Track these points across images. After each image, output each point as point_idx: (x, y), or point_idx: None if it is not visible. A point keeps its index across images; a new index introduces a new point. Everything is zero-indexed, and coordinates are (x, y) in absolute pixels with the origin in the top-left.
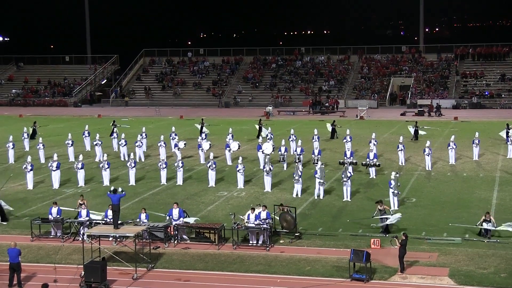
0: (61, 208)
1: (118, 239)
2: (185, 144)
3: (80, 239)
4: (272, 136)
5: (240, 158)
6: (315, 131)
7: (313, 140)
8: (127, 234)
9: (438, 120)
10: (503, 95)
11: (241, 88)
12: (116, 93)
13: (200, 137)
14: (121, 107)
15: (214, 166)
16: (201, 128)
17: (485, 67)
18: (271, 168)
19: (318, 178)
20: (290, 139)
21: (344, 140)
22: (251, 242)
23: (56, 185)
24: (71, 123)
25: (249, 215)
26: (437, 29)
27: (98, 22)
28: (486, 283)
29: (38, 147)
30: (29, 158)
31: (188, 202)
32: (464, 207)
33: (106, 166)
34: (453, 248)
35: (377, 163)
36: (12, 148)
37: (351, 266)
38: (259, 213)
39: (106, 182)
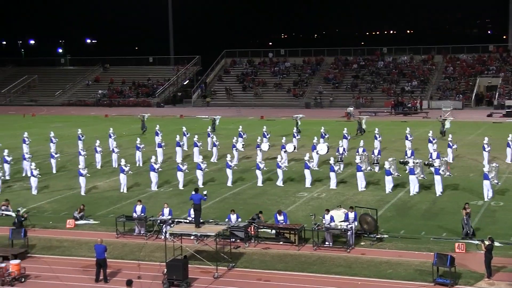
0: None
1: (200, 238)
2: (269, 146)
3: (163, 237)
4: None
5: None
6: (430, 132)
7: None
8: (208, 233)
9: None
10: None
11: (322, 88)
12: (202, 88)
13: (260, 138)
14: (203, 108)
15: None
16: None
17: None
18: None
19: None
20: (377, 139)
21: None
22: (327, 243)
23: (154, 187)
24: (154, 123)
25: (329, 216)
26: None
27: (181, 24)
28: None
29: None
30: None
31: (268, 202)
32: None
33: (204, 166)
34: None
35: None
36: (99, 152)
37: (435, 270)
38: (346, 213)
39: (200, 183)
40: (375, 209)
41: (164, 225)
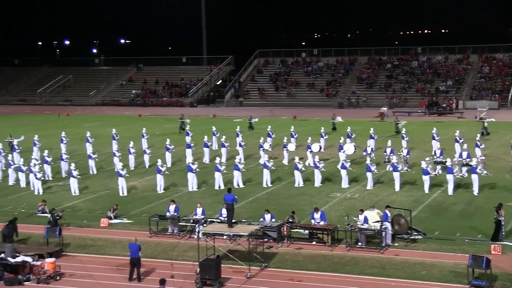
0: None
1: (232, 238)
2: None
3: (196, 236)
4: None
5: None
6: (457, 132)
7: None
8: (241, 233)
9: None
10: None
11: (355, 88)
12: (235, 88)
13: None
14: (236, 107)
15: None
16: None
17: None
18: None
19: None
20: (435, 139)
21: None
22: (360, 243)
23: (192, 187)
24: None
25: (363, 216)
26: None
27: (214, 24)
28: None
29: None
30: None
31: (302, 203)
32: None
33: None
34: None
35: (469, 162)
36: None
37: (470, 272)
38: (385, 213)
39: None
40: (409, 210)
41: (197, 225)
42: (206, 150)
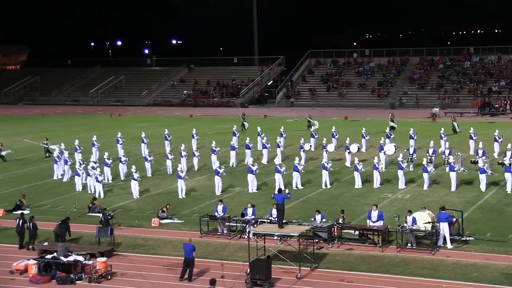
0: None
1: (283, 238)
2: (310, 146)
3: (246, 237)
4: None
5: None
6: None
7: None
8: (291, 234)
9: None
10: None
11: (406, 89)
12: (287, 87)
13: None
14: (287, 108)
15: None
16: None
17: None
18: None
19: None
20: (413, 138)
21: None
22: (409, 245)
23: (252, 188)
24: (238, 122)
25: (412, 217)
26: None
27: (265, 24)
28: None
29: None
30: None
31: (352, 203)
32: None
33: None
34: None
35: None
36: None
37: None
38: (442, 214)
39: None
40: (460, 211)
41: (248, 225)
42: (265, 151)
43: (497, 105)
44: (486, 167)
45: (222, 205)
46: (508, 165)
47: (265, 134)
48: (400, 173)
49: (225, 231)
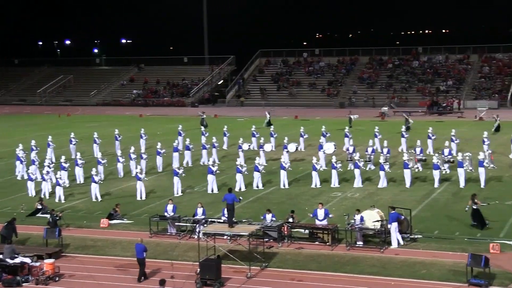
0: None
1: (233, 238)
2: (249, 146)
3: (196, 237)
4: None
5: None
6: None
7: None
8: (241, 233)
9: None
10: None
11: (356, 88)
12: (239, 84)
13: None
14: (237, 107)
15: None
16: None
17: None
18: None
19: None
20: (431, 138)
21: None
22: (358, 243)
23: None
24: (189, 123)
25: (360, 216)
26: None
27: (215, 24)
28: None
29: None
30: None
31: (303, 203)
32: None
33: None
34: None
35: (452, 159)
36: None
37: (469, 271)
38: (393, 213)
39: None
40: (408, 209)
41: (198, 225)
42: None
43: (444, 104)
44: (466, 165)
45: (172, 204)
46: (481, 159)
47: (210, 134)
48: (357, 172)
49: (173, 231)
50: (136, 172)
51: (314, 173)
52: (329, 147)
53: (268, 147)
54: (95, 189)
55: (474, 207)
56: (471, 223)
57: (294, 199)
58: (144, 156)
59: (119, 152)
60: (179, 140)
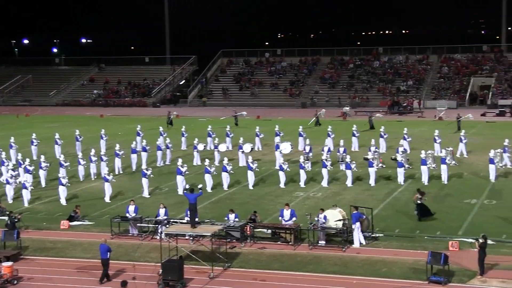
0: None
1: (195, 238)
2: (204, 146)
3: (158, 237)
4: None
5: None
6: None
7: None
8: (204, 233)
9: None
10: None
11: (318, 88)
12: (202, 83)
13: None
14: (199, 107)
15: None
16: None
17: None
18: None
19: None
20: (330, 137)
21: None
22: (320, 242)
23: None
24: (150, 123)
25: (323, 215)
26: None
27: (177, 24)
28: None
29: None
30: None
31: (265, 202)
32: None
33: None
34: None
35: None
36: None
37: (429, 269)
38: (356, 213)
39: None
40: (370, 208)
41: (160, 226)
42: (168, 151)
43: (405, 104)
44: (429, 163)
45: (134, 205)
46: (400, 161)
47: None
48: (281, 174)
49: (135, 232)
50: (104, 174)
51: (281, 173)
52: (285, 147)
53: (223, 147)
54: (63, 192)
55: (419, 201)
56: (417, 216)
57: (258, 199)
58: (105, 158)
59: (80, 154)
60: (137, 140)
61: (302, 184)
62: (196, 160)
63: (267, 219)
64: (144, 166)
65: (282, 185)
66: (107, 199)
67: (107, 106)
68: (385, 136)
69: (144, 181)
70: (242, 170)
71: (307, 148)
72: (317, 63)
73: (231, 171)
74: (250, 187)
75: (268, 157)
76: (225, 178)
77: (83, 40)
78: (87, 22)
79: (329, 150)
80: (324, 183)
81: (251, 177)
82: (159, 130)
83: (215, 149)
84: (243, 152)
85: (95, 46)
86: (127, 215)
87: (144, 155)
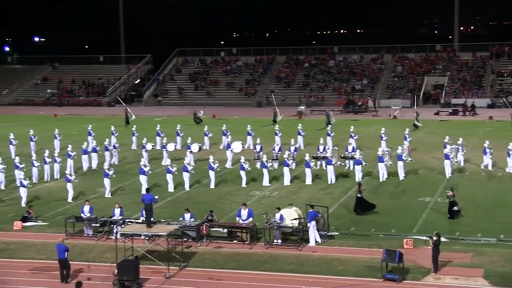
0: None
1: (151, 238)
2: (153, 146)
3: (114, 237)
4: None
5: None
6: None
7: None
8: (159, 233)
9: (472, 120)
10: None
11: (273, 87)
12: (158, 81)
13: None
14: (154, 107)
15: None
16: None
17: None
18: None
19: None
20: (277, 135)
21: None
22: (276, 241)
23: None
24: (105, 122)
25: (279, 215)
26: (472, 28)
27: (132, 22)
28: None
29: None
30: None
31: (221, 201)
32: (500, 207)
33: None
34: (488, 248)
35: (355, 155)
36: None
37: (384, 266)
38: (312, 212)
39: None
40: (326, 207)
41: (115, 226)
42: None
43: (360, 103)
44: (386, 160)
45: (89, 205)
46: (358, 158)
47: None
48: (242, 173)
49: (90, 233)
50: (66, 174)
51: (242, 172)
52: (236, 146)
53: (171, 146)
54: (24, 193)
55: (359, 195)
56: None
57: (214, 199)
58: (58, 159)
59: (34, 156)
60: (88, 140)
61: (266, 183)
62: (145, 160)
63: (223, 219)
64: (106, 166)
65: (244, 184)
66: (69, 199)
67: (61, 106)
68: (355, 138)
69: (106, 181)
70: (205, 170)
71: (258, 148)
72: (273, 62)
73: (191, 171)
74: (212, 186)
75: (219, 156)
76: (187, 178)
77: (36, 39)
78: (40, 20)
79: (295, 149)
80: (286, 181)
81: (212, 177)
82: (111, 130)
83: (163, 149)
84: (191, 152)
85: (48, 45)
86: (82, 215)
87: (107, 154)
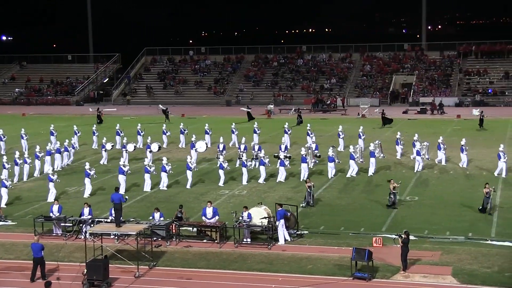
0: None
1: (120, 237)
2: (112, 146)
3: (83, 237)
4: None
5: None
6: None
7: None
8: (129, 232)
9: (441, 118)
10: (506, 93)
11: (242, 86)
12: (128, 78)
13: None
14: (123, 106)
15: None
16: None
17: (489, 64)
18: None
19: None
20: (256, 133)
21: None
22: (245, 240)
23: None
24: (73, 121)
25: (247, 213)
26: (439, 27)
27: (100, 21)
28: (490, 282)
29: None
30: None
31: (190, 201)
32: (468, 206)
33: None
34: (457, 246)
35: (318, 154)
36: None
37: (353, 265)
38: (281, 210)
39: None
40: (295, 206)
41: (84, 225)
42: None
43: (329, 102)
44: (357, 157)
45: (58, 205)
46: (282, 158)
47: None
48: (244, 170)
49: (59, 232)
50: (48, 174)
51: (188, 172)
52: (201, 146)
53: (131, 147)
54: (5, 194)
55: (309, 190)
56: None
57: (182, 198)
58: (28, 160)
59: (5, 158)
60: (51, 140)
61: (244, 181)
62: (104, 160)
63: (193, 217)
64: (87, 166)
65: (221, 183)
66: (51, 199)
67: (29, 105)
68: (311, 135)
69: (87, 181)
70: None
71: (221, 146)
72: (241, 61)
73: (170, 171)
74: (188, 186)
75: (181, 155)
76: (165, 178)
77: (3, 38)
78: (7, 19)
79: (286, 148)
80: (261, 180)
81: (189, 176)
82: (74, 129)
83: (123, 149)
84: (150, 151)
85: (16, 44)
86: (51, 214)
87: (58, 156)
